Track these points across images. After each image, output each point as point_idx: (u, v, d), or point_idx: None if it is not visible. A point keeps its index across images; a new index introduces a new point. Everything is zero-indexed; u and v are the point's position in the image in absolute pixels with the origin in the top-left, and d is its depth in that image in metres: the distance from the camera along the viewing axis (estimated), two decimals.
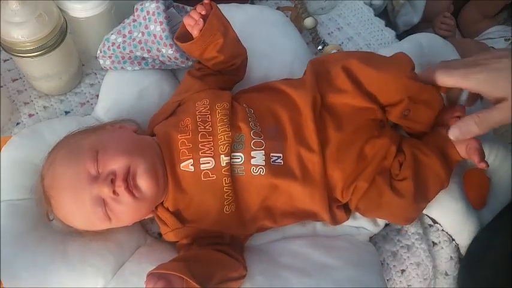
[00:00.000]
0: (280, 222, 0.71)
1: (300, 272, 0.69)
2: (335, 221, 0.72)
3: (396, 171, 0.70)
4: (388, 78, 0.70)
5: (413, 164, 0.69)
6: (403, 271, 0.78)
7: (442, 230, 0.79)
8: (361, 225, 0.78)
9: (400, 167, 0.70)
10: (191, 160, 0.66)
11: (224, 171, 0.66)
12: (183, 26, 0.72)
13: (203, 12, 0.70)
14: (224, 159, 0.66)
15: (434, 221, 0.79)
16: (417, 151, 0.70)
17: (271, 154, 0.67)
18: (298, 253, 0.72)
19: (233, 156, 0.66)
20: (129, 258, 0.70)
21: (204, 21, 0.69)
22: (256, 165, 0.66)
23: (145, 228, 0.77)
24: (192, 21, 0.70)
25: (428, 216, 0.80)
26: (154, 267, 0.60)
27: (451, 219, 0.78)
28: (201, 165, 0.66)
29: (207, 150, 0.66)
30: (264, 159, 0.67)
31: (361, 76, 0.71)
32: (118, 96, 0.81)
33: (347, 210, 0.73)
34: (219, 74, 0.77)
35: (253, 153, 0.66)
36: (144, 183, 0.64)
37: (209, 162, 0.66)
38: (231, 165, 0.66)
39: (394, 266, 0.78)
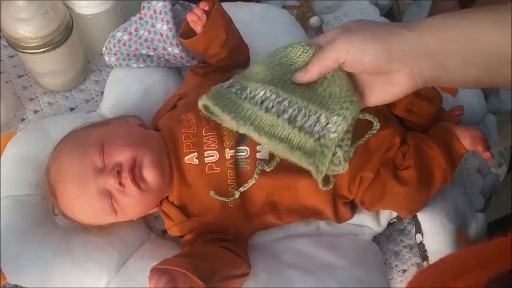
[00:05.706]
0: (284, 219, 0.71)
1: (303, 270, 0.69)
2: (338, 218, 0.72)
3: (400, 161, 0.70)
4: None
5: (417, 154, 0.69)
6: (404, 271, 0.78)
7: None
8: (364, 224, 0.78)
9: (403, 157, 0.70)
10: (195, 153, 0.66)
11: (228, 164, 0.66)
12: (187, 23, 0.72)
13: (206, 8, 0.70)
14: (229, 152, 0.66)
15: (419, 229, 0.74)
16: (421, 142, 0.71)
17: None
18: (302, 251, 0.72)
19: (238, 149, 0.66)
20: (132, 254, 0.70)
21: (207, 17, 0.70)
22: (262, 159, 0.66)
23: (149, 226, 0.77)
24: (195, 17, 0.70)
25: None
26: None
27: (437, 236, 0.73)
28: (206, 158, 0.66)
29: (211, 143, 0.67)
30: (269, 153, 0.66)
31: None
32: (123, 94, 0.81)
33: (352, 208, 0.73)
34: (222, 71, 0.77)
35: (258, 147, 0.67)
36: (150, 174, 0.64)
37: (213, 155, 0.66)
38: (235, 159, 0.66)
39: (396, 265, 0.77)
